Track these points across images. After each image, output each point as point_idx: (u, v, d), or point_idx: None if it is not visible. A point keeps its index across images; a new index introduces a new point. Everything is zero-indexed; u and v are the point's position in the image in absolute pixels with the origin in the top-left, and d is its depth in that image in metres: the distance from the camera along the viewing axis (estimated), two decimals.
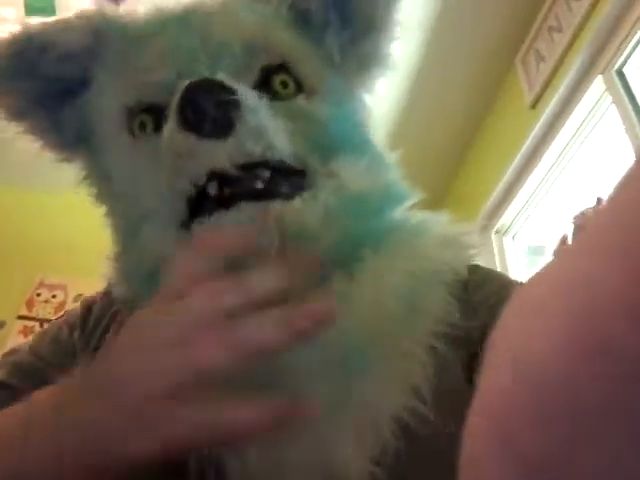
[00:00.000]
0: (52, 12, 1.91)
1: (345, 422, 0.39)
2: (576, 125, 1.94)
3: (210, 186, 0.41)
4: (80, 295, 2.63)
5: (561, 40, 1.92)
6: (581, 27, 1.82)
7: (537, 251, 2.32)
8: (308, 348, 0.38)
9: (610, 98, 1.76)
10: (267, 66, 0.46)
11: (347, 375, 0.39)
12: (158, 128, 0.44)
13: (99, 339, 0.52)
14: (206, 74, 0.43)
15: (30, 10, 1.89)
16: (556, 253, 1.83)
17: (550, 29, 2.01)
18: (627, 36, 1.67)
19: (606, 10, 1.69)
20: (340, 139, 0.48)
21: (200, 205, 0.42)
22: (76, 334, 0.53)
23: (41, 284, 2.68)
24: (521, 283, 0.51)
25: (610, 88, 1.74)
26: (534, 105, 2.07)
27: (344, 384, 0.39)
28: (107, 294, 0.57)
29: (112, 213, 0.52)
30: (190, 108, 0.39)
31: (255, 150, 0.40)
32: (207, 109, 0.39)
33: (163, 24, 0.47)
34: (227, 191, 0.41)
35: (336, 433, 0.38)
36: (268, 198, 0.41)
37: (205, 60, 0.44)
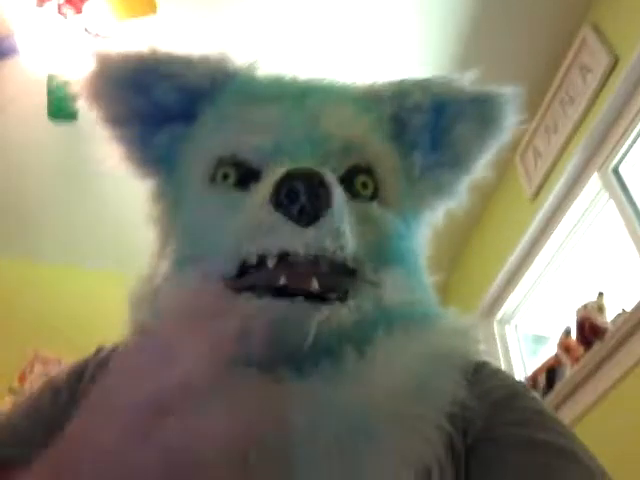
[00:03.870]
0: None
1: None
2: (575, 219, 2.00)
3: (270, 261, 0.43)
4: None
5: (557, 140, 2.02)
6: (576, 129, 1.92)
7: (539, 340, 2.32)
8: (318, 424, 0.39)
9: (607, 194, 1.83)
10: (355, 165, 0.50)
11: (358, 451, 0.38)
12: (241, 184, 0.48)
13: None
14: (303, 157, 0.47)
15: None
16: (560, 345, 1.84)
17: (547, 129, 2.12)
18: (622, 136, 1.76)
19: (601, 113, 1.79)
20: (396, 254, 0.50)
21: (251, 273, 0.44)
22: (62, 399, 0.52)
23: (35, 358, 2.62)
24: (525, 385, 0.51)
25: (606, 185, 1.81)
26: (534, 198, 2.15)
27: (355, 459, 0.38)
28: (97, 353, 0.57)
29: (161, 242, 0.54)
30: (287, 191, 0.41)
31: (329, 247, 0.42)
32: (302, 197, 0.41)
33: (280, 95, 0.51)
34: (282, 280, 0.42)
35: None
36: (319, 302, 0.43)
37: (305, 144, 0.48)
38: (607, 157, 1.82)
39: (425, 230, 0.59)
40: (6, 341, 2.58)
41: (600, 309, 1.70)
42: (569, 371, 1.75)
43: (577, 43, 1.96)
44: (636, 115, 1.70)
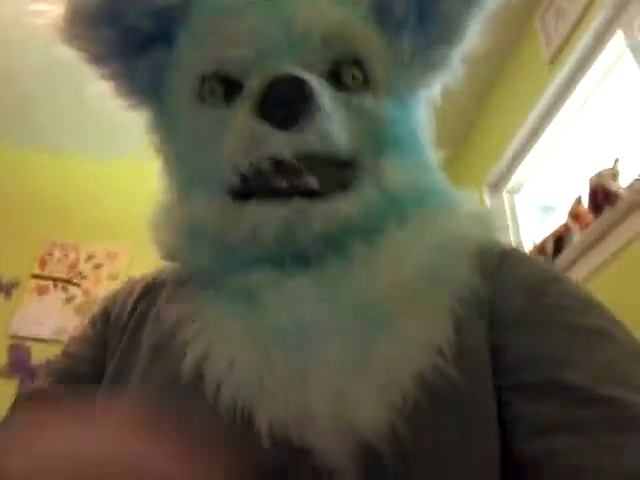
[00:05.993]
0: None
1: (364, 378, 0.39)
2: (594, 83, 1.91)
3: (267, 169, 0.45)
4: (91, 256, 2.67)
5: None
6: None
7: (548, 210, 2.33)
8: (328, 306, 0.42)
9: (631, 55, 1.73)
10: (340, 58, 0.49)
11: (366, 333, 0.41)
12: (228, 98, 0.48)
13: (132, 313, 0.55)
14: (283, 60, 0.46)
15: None
16: (570, 214, 1.84)
17: None
18: None
19: None
20: (393, 139, 0.50)
21: (253, 184, 0.46)
22: (99, 325, 0.57)
23: (53, 244, 2.72)
24: (556, 271, 0.52)
25: (631, 44, 1.71)
26: (552, 61, 2.04)
27: (363, 342, 0.40)
28: (128, 283, 0.61)
29: (166, 169, 0.56)
30: (268, 100, 0.43)
31: (314, 145, 0.44)
32: (282, 103, 0.43)
33: (252, 2, 0.49)
34: (284, 184, 0.44)
35: (356, 388, 0.39)
36: (318, 197, 0.45)
37: (285, 46, 0.47)
38: (634, 13, 1.69)
39: (424, 109, 0.58)
40: (24, 230, 2.68)
41: (615, 176, 1.67)
42: (578, 237, 1.76)
43: None
44: None
